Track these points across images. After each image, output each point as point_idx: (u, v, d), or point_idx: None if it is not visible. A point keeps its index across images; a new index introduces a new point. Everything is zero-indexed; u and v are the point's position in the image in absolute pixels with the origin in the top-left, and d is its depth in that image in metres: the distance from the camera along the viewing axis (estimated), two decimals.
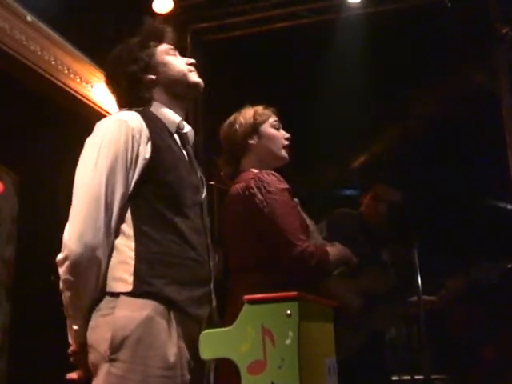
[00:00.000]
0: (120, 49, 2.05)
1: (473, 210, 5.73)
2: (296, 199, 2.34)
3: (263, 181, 2.20)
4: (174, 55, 2.07)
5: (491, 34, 5.29)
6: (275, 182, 2.21)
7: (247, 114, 2.43)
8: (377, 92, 6.27)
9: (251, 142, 2.37)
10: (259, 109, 2.44)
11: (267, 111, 2.44)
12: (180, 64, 2.05)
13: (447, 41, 5.90)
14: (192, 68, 2.06)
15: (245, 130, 2.38)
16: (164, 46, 2.06)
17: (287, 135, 2.43)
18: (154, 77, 1.99)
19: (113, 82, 2.03)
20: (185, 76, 2.03)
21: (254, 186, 2.20)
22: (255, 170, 2.33)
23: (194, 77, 2.05)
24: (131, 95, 1.98)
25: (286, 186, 2.23)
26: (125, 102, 1.99)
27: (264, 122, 2.40)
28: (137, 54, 2.00)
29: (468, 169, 6.16)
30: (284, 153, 2.41)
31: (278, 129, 2.42)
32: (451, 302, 3.79)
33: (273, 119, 2.43)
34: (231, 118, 2.45)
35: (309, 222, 2.34)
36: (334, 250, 2.25)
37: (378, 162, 7.21)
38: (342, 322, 2.04)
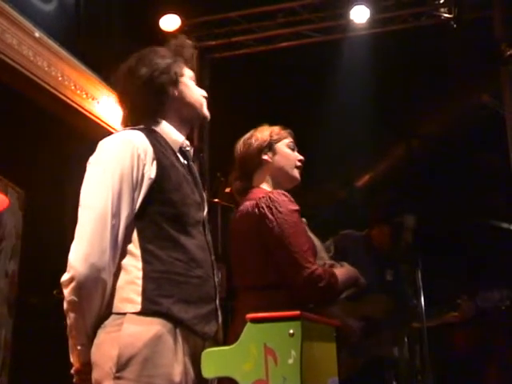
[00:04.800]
0: (150, 53, 2.00)
1: (477, 230, 5.72)
2: (304, 219, 2.33)
3: (274, 200, 2.19)
4: (195, 82, 2.09)
5: (496, 55, 5.31)
6: (286, 202, 2.19)
7: (264, 131, 2.44)
8: (382, 112, 6.29)
9: (265, 157, 2.38)
10: (276, 128, 2.46)
11: (284, 132, 2.46)
12: (198, 93, 2.06)
13: (453, 61, 5.92)
14: (205, 101, 2.08)
15: (260, 145, 2.39)
16: (189, 71, 2.07)
17: (300, 157, 2.43)
18: (176, 93, 1.99)
19: (134, 88, 1.94)
20: (200, 106, 2.05)
21: (264, 205, 2.19)
22: (266, 187, 2.34)
23: (206, 110, 2.08)
24: (151, 105, 1.94)
25: (296, 207, 2.22)
26: (140, 113, 1.95)
27: (280, 140, 2.42)
28: (170, 65, 1.98)
29: (473, 189, 6.15)
30: (296, 173, 2.40)
31: (293, 149, 2.44)
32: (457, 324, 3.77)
33: (289, 140, 2.44)
34: (247, 134, 2.47)
35: (315, 241, 2.33)
36: (341, 271, 2.23)
37: (383, 182, 7.21)
38: (342, 345, 2.03)
